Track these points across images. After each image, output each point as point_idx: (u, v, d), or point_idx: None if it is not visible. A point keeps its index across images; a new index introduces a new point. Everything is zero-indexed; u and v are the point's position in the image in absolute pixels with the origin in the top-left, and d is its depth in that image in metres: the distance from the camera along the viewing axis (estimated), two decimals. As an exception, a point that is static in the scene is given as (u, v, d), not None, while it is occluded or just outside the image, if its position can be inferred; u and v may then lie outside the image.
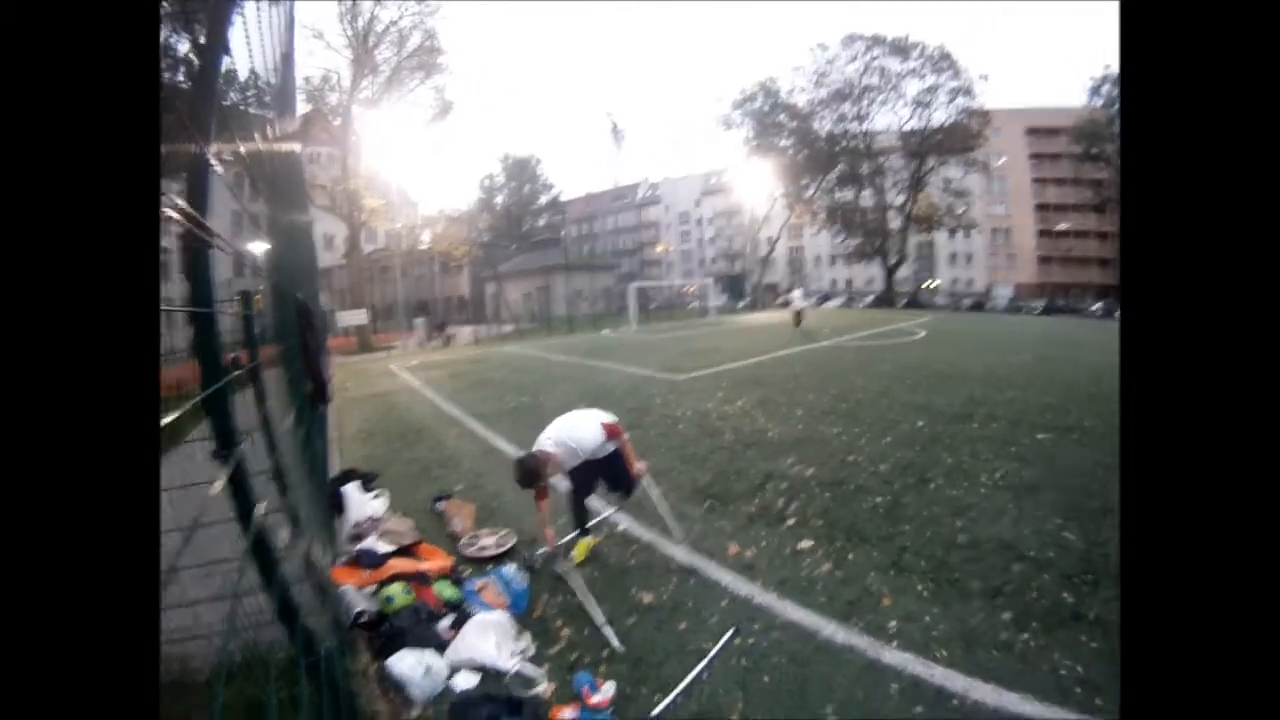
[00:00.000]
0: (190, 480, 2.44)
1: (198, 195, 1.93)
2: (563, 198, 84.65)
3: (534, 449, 4.51)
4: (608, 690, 3.23)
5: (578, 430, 4.59)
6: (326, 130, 36.32)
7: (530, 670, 3.53)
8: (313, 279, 12.92)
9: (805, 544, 4.77)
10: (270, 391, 4.28)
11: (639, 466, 4.76)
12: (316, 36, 36.50)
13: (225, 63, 2.23)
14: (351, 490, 6.37)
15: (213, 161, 2.23)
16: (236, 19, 2.40)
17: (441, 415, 11.74)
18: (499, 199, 79.75)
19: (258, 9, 2.90)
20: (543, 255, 59.84)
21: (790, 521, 5.26)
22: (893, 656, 3.33)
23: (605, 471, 4.84)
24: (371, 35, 35.13)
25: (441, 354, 27.57)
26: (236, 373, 2.35)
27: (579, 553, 4.85)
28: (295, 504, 3.76)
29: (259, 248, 4.70)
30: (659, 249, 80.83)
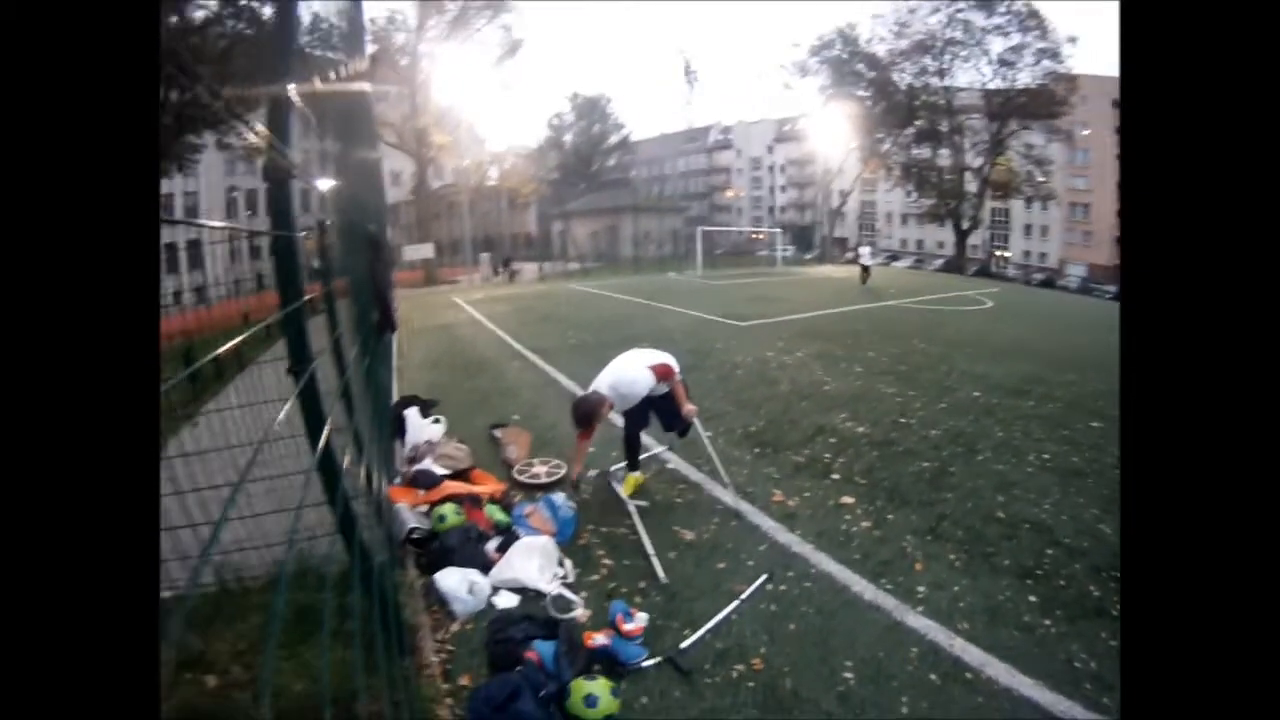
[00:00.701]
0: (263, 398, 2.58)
1: (278, 131, 2.04)
2: (633, 138, 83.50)
3: (590, 390, 4.66)
4: (640, 620, 3.38)
5: (629, 374, 4.68)
6: (394, 69, 36.51)
7: (569, 595, 3.71)
8: (380, 214, 13.21)
9: (847, 499, 4.83)
10: (341, 318, 4.50)
11: (689, 408, 4.83)
12: None
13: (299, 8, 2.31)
14: (412, 415, 6.63)
15: (293, 99, 2.33)
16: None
17: (503, 348, 12.03)
18: (568, 137, 79.07)
19: None
20: (611, 195, 59.45)
21: (835, 476, 5.32)
22: (916, 621, 3.40)
23: (659, 408, 4.95)
24: None
25: (506, 289, 27.98)
26: (310, 297, 2.48)
27: (627, 486, 5.01)
28: (359, 424, 3.98)
29: (329, 183, 4.84)
30: (729, 194, 79.44)
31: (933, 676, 2.97)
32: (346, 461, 2.97)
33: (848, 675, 3.00)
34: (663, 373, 4.71)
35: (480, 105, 44.25)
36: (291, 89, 2.13)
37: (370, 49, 34.06)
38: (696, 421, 5.04)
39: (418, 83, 35.99)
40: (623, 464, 5.27)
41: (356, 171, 6.27)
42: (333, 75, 3.70)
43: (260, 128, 1.90)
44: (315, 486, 2.53)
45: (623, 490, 4.98)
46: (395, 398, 7.56)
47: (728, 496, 4.84)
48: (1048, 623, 3.36)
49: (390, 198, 40.89)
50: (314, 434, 2.45)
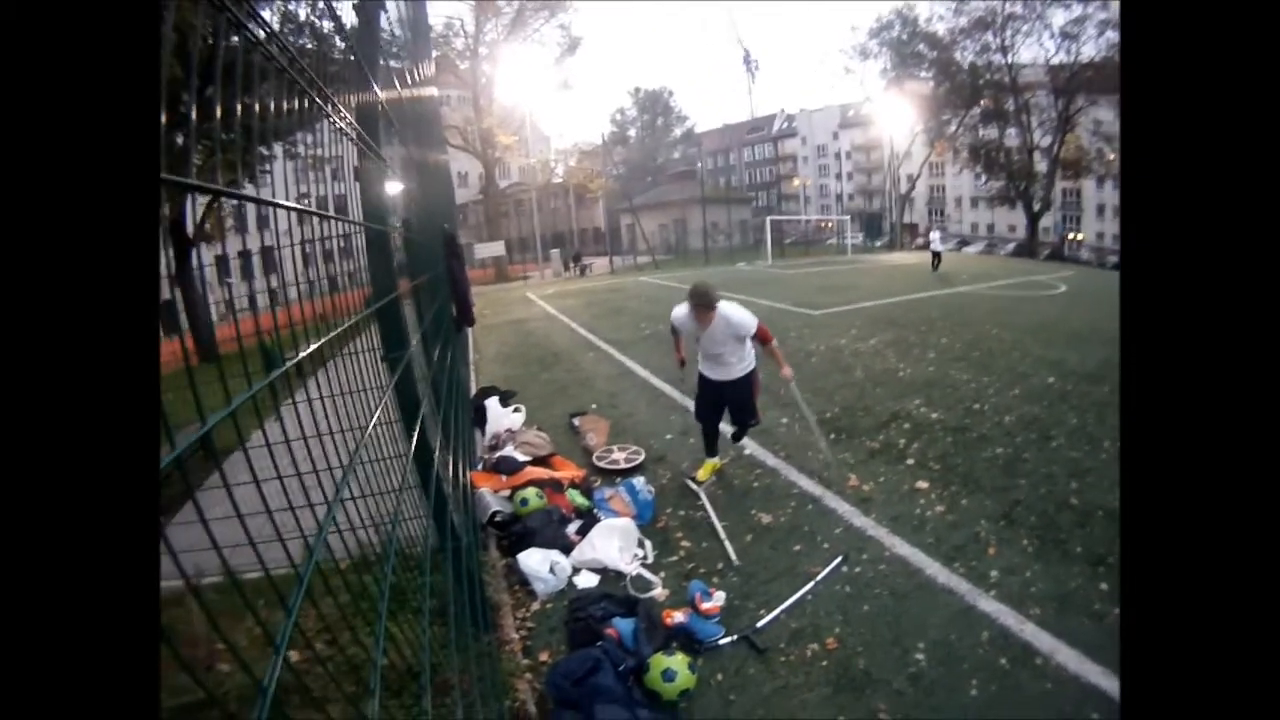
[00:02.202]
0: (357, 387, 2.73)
1: (370, 134, 2.21)
2: (697, 129, 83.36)
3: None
4: (718, 599, 3.49)
5: (740, 313, 4.63)
6: (455, 73, 37.26)
7: (648, 575, 3.85)
8: (452, 214, 13.63)
9: (922, 484, 4.83)
10: (426, 312, 4.73)
11: (786, 371, 4.80)
12: None
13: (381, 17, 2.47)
14: (492, 404, 6.92)
15: (382, 103, 2.49)
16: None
17: (577, 339, 12.32)
18: (632, 132, 79.52)
19: None
20: (678, 187, 59.29)
21: (910, 461, 5.31)
22: (988, 605, 3.40)
23: (731, 399, 4.97)
24: None
25: (577, 284, 28.32)
26: (397, 294, 2.65)
27: (704, 471, 5.09)
28: (446, 412, 4.19)
29: (404, 186, 5.06)
30: (795, 183, 78.22)
31: (1002, 661, 2.99)
32: (436, 448, 3.16)
33: (919, 656, 3.04)
34: (765, 334, 4.66)
35: (542, 104, 44.77)
36: (379, 94, 2.29)
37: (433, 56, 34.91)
38: (795, 389, 5.10)
39: (479, 85, 36.74)
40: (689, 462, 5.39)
41: (430, 174, 6.56)
42: (406, 81, 3.88)
43: (356, 129, 2.06)
44: (410, 471, 2.73)
45: (699, 474, 5.06)
46: (473, 390, 7.85)
47: (804, 481, 4.89)
48: (1118, 612, 3.32)
49: (460, 198, 41.94)
50: (409, 421, 2.63)
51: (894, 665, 3.00)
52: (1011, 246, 48.74)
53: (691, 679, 2.82)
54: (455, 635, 2.69)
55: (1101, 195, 54.04)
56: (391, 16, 3.32)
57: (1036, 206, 45.27)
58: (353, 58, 2.12)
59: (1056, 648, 3.03)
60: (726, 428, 5.24)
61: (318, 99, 1.52)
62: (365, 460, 2.31)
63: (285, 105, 1.28)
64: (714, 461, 5.18)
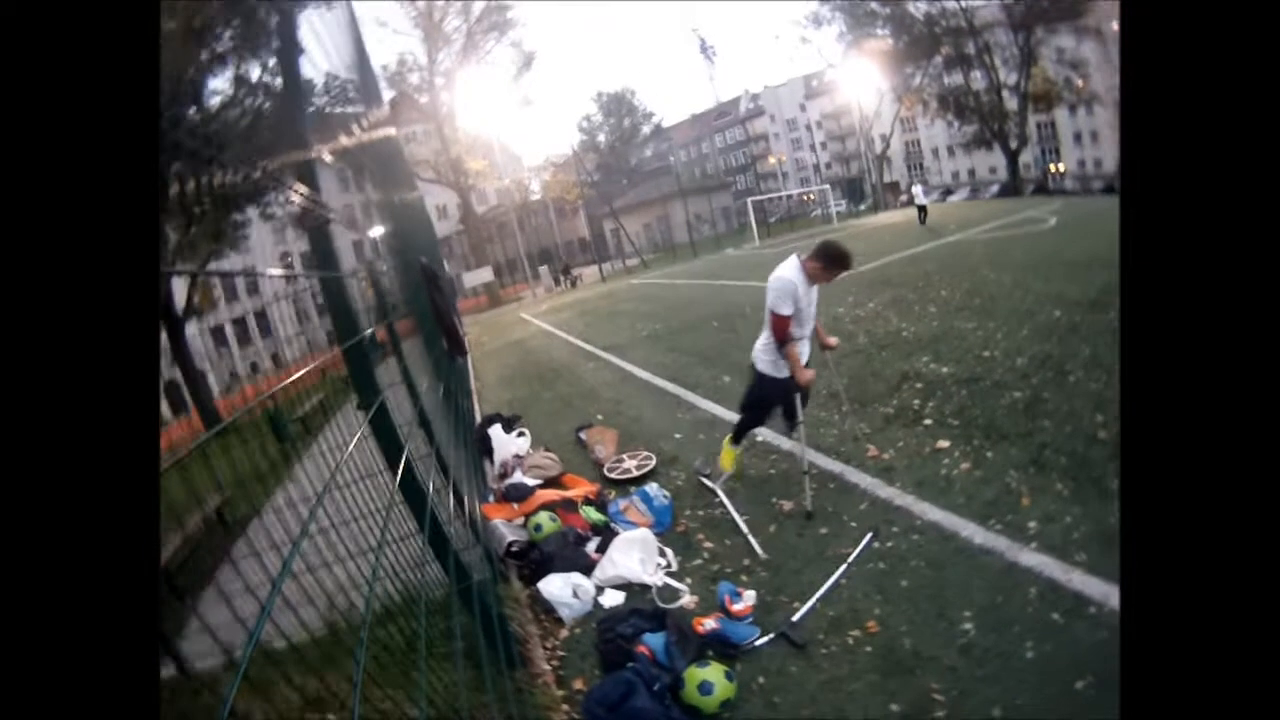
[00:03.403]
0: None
1: (309, 184, 2.10)
2: (665, 124, 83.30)
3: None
4: (749, 598, 3.33)
5: (774, 274, 4.20)
6: (416, 109, 37.51)
7: (674, 583, 3.70)
8: (433, 248, 13.69)
9: (943, 443, 4.64)
10: (408, 350, 4.61)
11: (831, 340, 4.61)
12: (382, 25, 37.95)
13: (303, 67, 2.39)
14: (495, 432, 6.79)
15: (321, 157, 2.41)
16: (302, 30, 2.58)
17: (576, 352, 12.23)
18: (601, 137, 79.54)
19: (319, 17, 3.07)
20: (655, 185, 59.38)
21: (928, 421, 5.13)
22: (1031, 559, 3.21)
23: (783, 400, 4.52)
24: (435, 10, 35.56)
25: (569, 296, 28.31)
26: (370, 331, 2.52)
27: (729, 460, 4.78)
28: (441, 448, 4.07)
29: (377, 230, 5.00)
30: (771, 161, 78.03)
31: (1055, 616, 2.80)
32: (433, 486, 3.04)
33: (967, 626, 2.86)
34: (813, 270, 4.15)
35: (507, 124, 45.28)
36: (314, 147, 2.18)
37: (389, 95, 35.37)
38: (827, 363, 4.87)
39: (442, 116, 36.99)
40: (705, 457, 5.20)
41: (399, 212, 6.51)
42: (354, 127, 3.78)
43: (295, 185, 1.98)
44: (403, 516, 2.59)
45: (723, 463, 4.78)
46: (478, 419, 7.72)
47: (822, 460, 4.72)
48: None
49: (441, 230, 42.10)
50: (393, 463, 2.50)
51: (942, 640, 2.82)
52: (995, 188, 48.40)
53: (730, 688, 2.66)
54: (479, 677, 2.59)
55: (1076, 123, 53.44)
56: (323, 65, 3.20)
57: (1013, 144, 45.02)
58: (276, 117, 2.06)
59: (1109, 592, 2.83)
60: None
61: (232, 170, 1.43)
62: (335, 521, 2.19)
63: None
64: (735, 450, 4.87)
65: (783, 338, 4.12)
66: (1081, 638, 2.64)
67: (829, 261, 4.08)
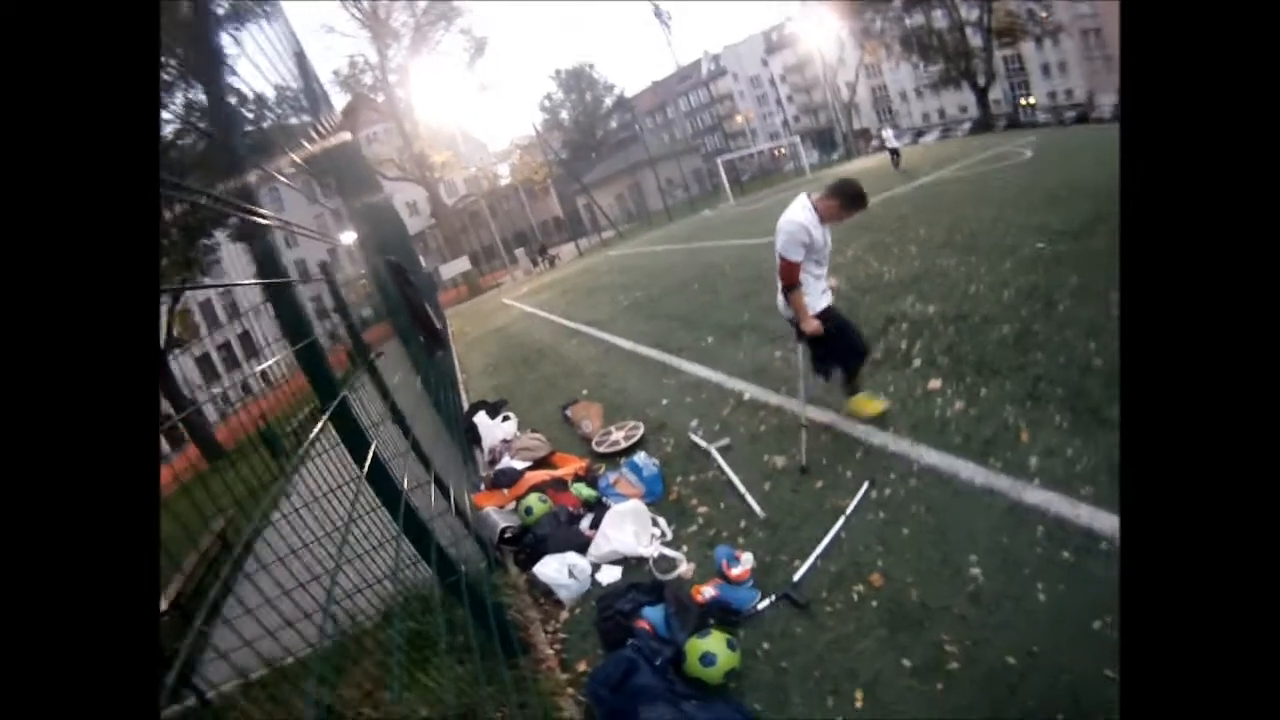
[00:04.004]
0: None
1: (249, 198, 2.04)
2: (627, 94, 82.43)
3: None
4: (746, 561, 3.22)
5: (784, 218, 3.99)
6: (374, 109, 37.11)
7: (670, 553, 3.59)
8: (406, 246, 13.58)
9: (934, 384, 4.52)
10: (389, 350, 4.46)
11: (832, 282, 4.31)
12: (328, 31, 37.71)
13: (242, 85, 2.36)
14: (481, 419, 6.68)
15: (269, 172, 2.36)
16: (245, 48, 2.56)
17: (558, 330, 12.12)
18: (564, 114, 78.73)
19: (257, 33, 2.98)
20: (624, 155, 58.86)
21: (917, 363, 5.02)
22: (1036, 496, 3.09)
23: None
24: (380, 8, 34.96)
25: (549, 276, 28.04)
26: (311, 338, 2.40)
27: (871, 404, 4.39)
28: (422, 443, 3.96)
29: (348, 235, 4.92)
30: (738, 120, 77.32)
31: (1065, 554, 2.69)
32: (414, 482, 2.94)
33: (974, 572, 2.75)
34: (827, 209, 3.93)
35: (467, 112, 45.09)
36: (250, 164, 2.17)
37: (344, 99, 35.07)
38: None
39: (400, 113, 36.64)
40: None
41: (367, 215, 6.47)
42: (307, 137, 3.74)
43: (237, 201, 1.94)
44: (380, 520, 2.49)
45: (865, 408, 4.38)
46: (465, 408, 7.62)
47: (811, 411, 4.59)
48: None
49: (414, 226, 41.73)
50: (361, 460, 2.41)
51: (949, 588, 2.71)
52: (967, 126, 48.02)
53: (734, 658, 2.55)
54: (483, 670, 2.47)
55: (1043, 55, 52.96)
56: (263, 81, 3.06)
57: (981, 81, 44.56)
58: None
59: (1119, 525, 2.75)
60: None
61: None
62: (317, 532, 2.09)
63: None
64: (864, 395, 4.44)
65: (790, 283, 3.95)
66: (1095, 575, 2.53)
67: (845, 200, 3.91)
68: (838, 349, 4.18)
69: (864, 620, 2.71)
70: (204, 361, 39.86)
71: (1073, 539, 2.75)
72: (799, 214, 3.91)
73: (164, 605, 4.98)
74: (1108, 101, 44.86)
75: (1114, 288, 5.21)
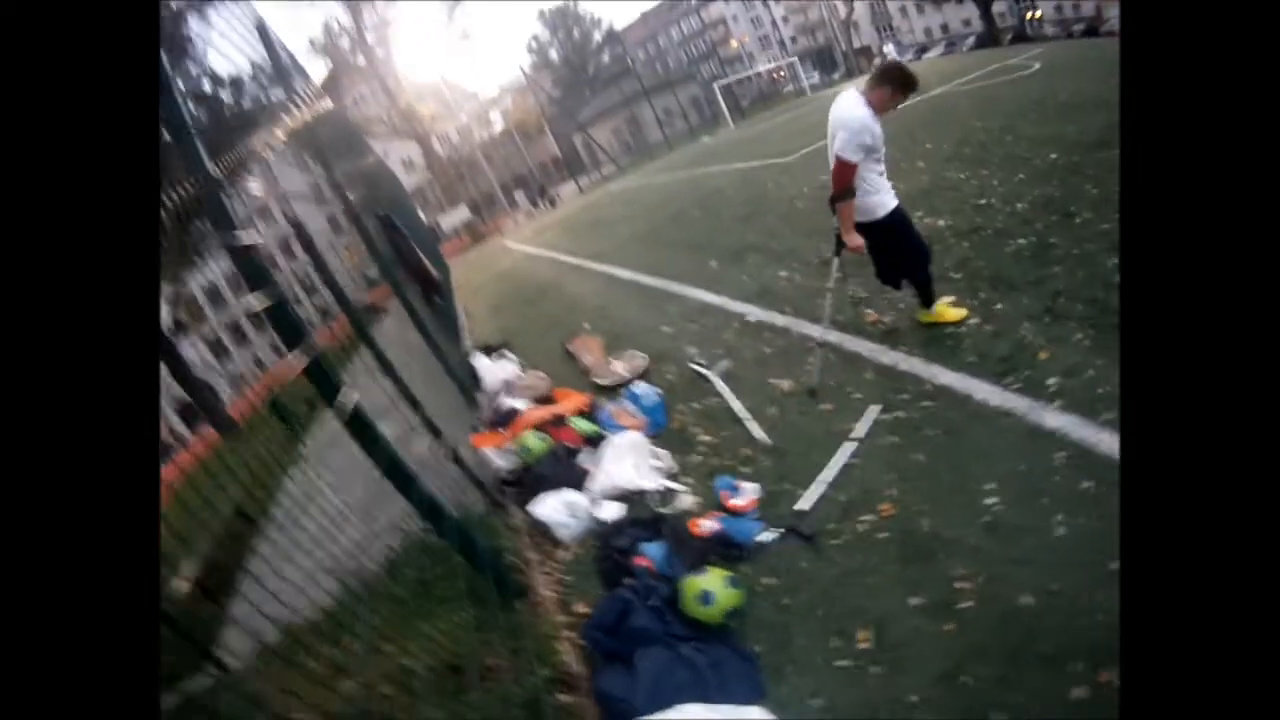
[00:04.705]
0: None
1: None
2: (617, 27, 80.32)
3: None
4: (749, 491, 3.08)
5: (838, 112, 3.68)
6: (356, 72, 36.51)
7: (673, 485, 3.46)
8: (403, 202, 13.44)
9: (947, 299, 4.26)
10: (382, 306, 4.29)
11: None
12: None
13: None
14: (480, 362, 6.56)
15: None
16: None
17: (561, 267, 11.95)
18: (553, 53, 76.83)
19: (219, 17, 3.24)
20: (618, 90, 57.37)
21: (929, 278, 4.77)
22: (1056, 420, 2.88)
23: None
24: None
25: (550, 216, 27.71)
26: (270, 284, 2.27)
27: (951, 311, 4.11)
28: (417, 391, 3.84)
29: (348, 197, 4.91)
30: (733, 45, 75.20)
31: (1086, 484, 2.48)
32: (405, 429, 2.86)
33: (990, 501, 2.58)
34: (880, 99, 3.62)
35: (451, 63, 44.53)
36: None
37: (324, 66, 34.42)
38: None
39: (382, 71, 35.94)
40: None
41: (359, 176, 6.60)
42: (287, 111, 3.75)
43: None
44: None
45: (942, 315, 4.09)
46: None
47: (818, 331, 4.38)
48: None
49: (412, 182, 41.26)
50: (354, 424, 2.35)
51: (964, 518, 2.54)
52: (972, 41, 46.11)
53: (735, 595, 2.41)
54: (479, 616, 2.52)
55: None
56: (229, 63, 2.98)
57: None
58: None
59: None
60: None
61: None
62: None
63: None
64: (942, 305, 4.14)
65: (841, 188, 3.63)
66: (1116, 511, 2.34)
67: (896, 84, 3.59)
68: (908, 252, 3.89)
69: (873, 553, 2.56)
70: (215, 344, 40.20)
71: (1095, 467, 2.55)
72: (857, 109, 3.58)
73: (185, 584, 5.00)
74: (1116, 14, 42.85)
75: None
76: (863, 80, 3.94)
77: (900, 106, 3.74)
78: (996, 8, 44.40)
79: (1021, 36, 42.84)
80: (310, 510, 2.13)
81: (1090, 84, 10.64)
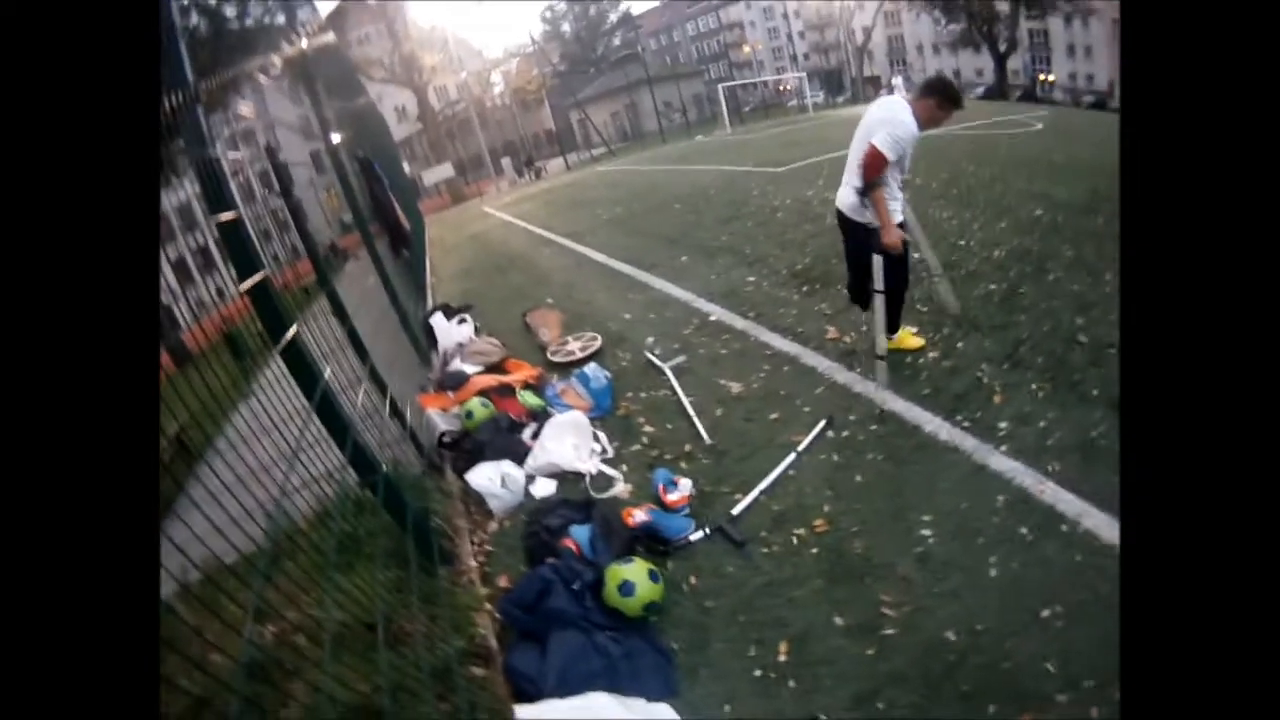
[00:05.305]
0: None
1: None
2: (634, 11, 79.67)
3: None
4: (685, 488, 3.04)
5: (887, 114, 3.52)
6: (365, 12, 35.60)
7: (609, 470, 3.41)
8: (389, 149, 13.12)
9: (909, 329, 4.29)
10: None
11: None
12: None
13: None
14: (438, 320, 6.42)
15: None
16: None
17: (534, 240, 11.79)
18: (566, 26, 75.91)
19: None
20: (623, 73, 56.89)
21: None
22: (1001, 463, 2.89)
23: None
24: None
25: (534, 188, 27.35)
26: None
27: (909, 338, 4.15)
28: (366, 339, 3.73)
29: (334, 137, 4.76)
30: (746, 50, 75.06)
31: (1023, 530, 2.50)
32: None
33: (925, 533, 2.57)
34: (927, 112, 3.48)
35: (464, 18, 43.84)
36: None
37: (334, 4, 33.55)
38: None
39: (390, 14, 35.11)
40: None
41: (346, 117, 6.65)
42: (289, 39, 3.78)
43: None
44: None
45: (904, 342, 4.12)
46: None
47: (777, 340, 4.37)
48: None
49: (402, 132, 40.42)
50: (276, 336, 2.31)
51: (897, 545, 2.54)
52: (981, 90, 46.81)
53: (655, 589, 2.36)
54: (397, 579, 2.45)
55: (1070, 34, 51.23)
56: None
57: (1003, 48, 43.24)
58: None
59: (1085, 511, 2.52)
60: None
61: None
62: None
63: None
64: (905, 331, 4.19)
65: (874, 177, 3.50)
66: (1051, 559, 2.35)
67: (943, 98, 3.47)
68: (892, 271, 3.80)
69: (801, 567, 2.53)
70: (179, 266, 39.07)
71: (1034, 515, 2.56)
72: (906, 114, 3.44)
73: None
74: None
75: (1109, 268, 4.97)
76: (865, 106, 3.90)
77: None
78: (1011, 64, 45.10)
79: (1031, 96, 43.54)
80: (248, 450, 2.04)
81: (1087, 151, 10.83)
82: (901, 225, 3.73)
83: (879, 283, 3.62)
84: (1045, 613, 2.11)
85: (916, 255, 4.30)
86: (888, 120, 3.47)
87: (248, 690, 1.71)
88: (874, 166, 3.48)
